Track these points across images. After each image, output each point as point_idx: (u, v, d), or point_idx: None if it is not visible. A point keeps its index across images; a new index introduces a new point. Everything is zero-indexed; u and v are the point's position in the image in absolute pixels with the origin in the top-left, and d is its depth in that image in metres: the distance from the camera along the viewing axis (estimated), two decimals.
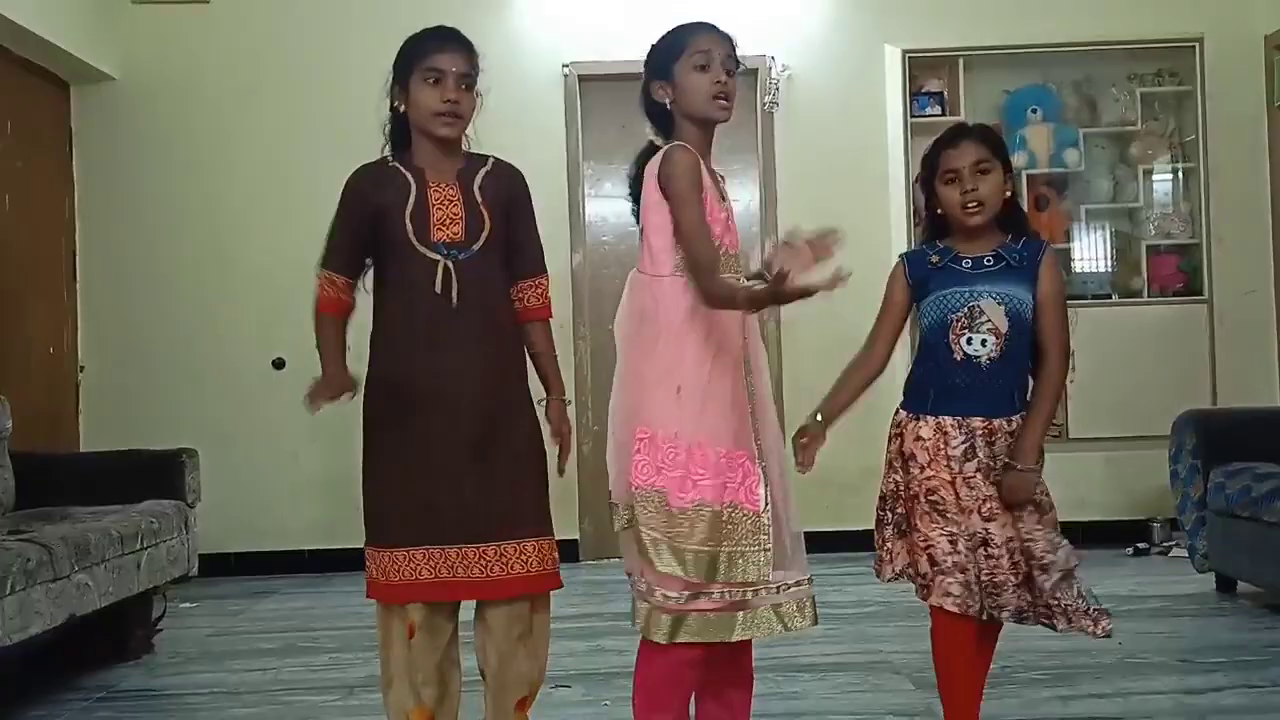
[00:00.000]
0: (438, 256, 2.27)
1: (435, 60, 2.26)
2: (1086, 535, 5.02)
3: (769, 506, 2.15)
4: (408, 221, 2.27)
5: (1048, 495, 2.37)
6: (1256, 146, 5.42)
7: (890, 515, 2.42)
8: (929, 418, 2.35)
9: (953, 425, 2.33)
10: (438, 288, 2.27)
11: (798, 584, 2.19)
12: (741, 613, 2.14)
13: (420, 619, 2.32)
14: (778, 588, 2.16)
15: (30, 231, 4.91)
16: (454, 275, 2.26)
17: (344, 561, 5.20)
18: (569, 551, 5.19)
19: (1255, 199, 5.43)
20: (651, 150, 2.23)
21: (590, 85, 5.34)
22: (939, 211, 2.42)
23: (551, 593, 2.39)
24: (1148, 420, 4.95)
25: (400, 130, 2.36)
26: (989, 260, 2.36)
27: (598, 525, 5.31)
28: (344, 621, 4.25)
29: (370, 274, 2.44)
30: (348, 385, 2.32)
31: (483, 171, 2.34)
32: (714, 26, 2.25)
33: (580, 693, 3.18)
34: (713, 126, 2.24)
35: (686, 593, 2.12)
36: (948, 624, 2.32)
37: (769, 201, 5.32)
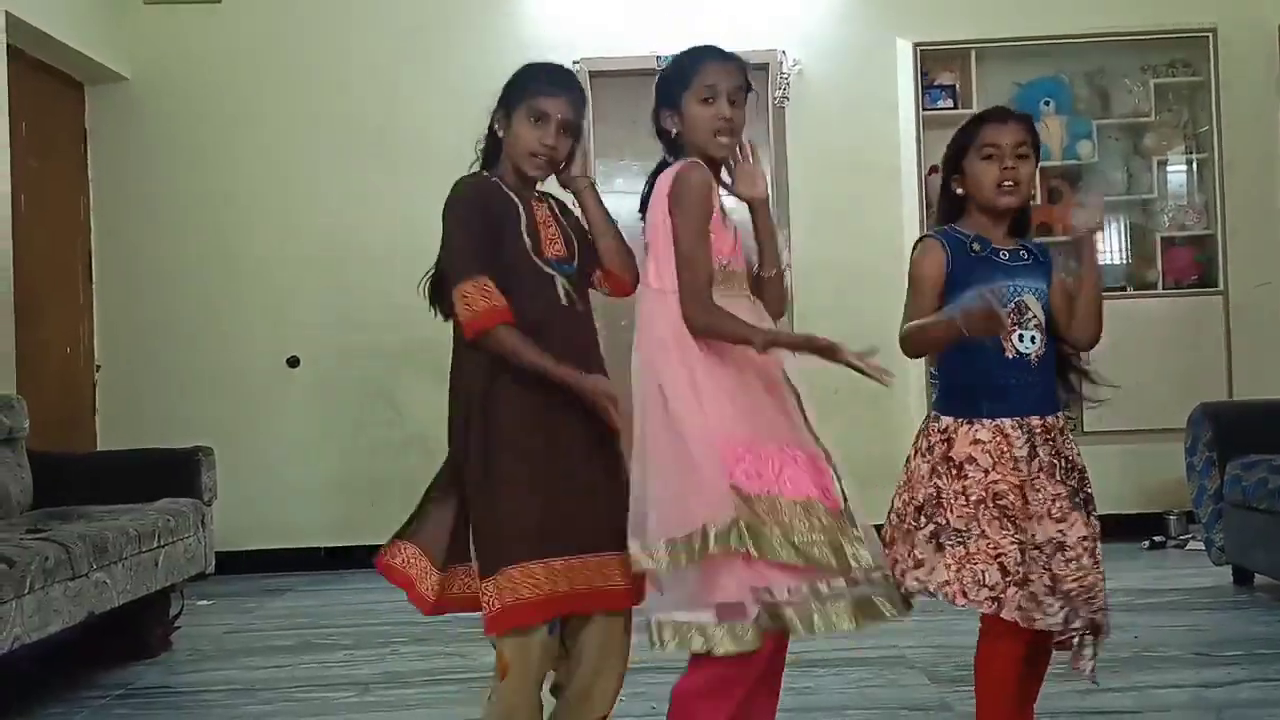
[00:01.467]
0: (553, 272, 2.25)
1: (543, 103, 2.23)
2: (1102, 529, 5.00)
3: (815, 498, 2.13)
4: (525, 237, 2.23)
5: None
6: (1271, 137, 5.39)
7: (928, 524, 2.22)
8: (985, 421, 2.22)
9: (1012, 427, 2.21)
10: (563, 300, 2.25)
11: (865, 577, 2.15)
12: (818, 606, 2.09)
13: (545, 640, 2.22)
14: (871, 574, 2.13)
15: (46, 232, 4.94)
16: (574, 288, 2.27)
17: (358, 559, 5.23)
18: None
19: (1270, 190, 5.40)
20: (663, 166, 2.24)
21: (601, 81, 5.34)
22: (959, 192, 2.30)
23: None
24: (1163, 413, 4.92)
25: (493, 153, 2.33)
26: (1023, 254, 2.28)
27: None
28: (358, 619, 4.27)
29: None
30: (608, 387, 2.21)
31: (551, 201, 2.36)
32: (723, 54, 2.24)
33: None
34: (720, 161, 2.25)
35: (804, 585, 2.07)
36: (1003, 647, 2.20)
37: (781, 196, 5.31)
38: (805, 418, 2.21)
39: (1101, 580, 2.22)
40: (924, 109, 5.28)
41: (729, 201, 2.26)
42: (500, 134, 2.28)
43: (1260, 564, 4.00)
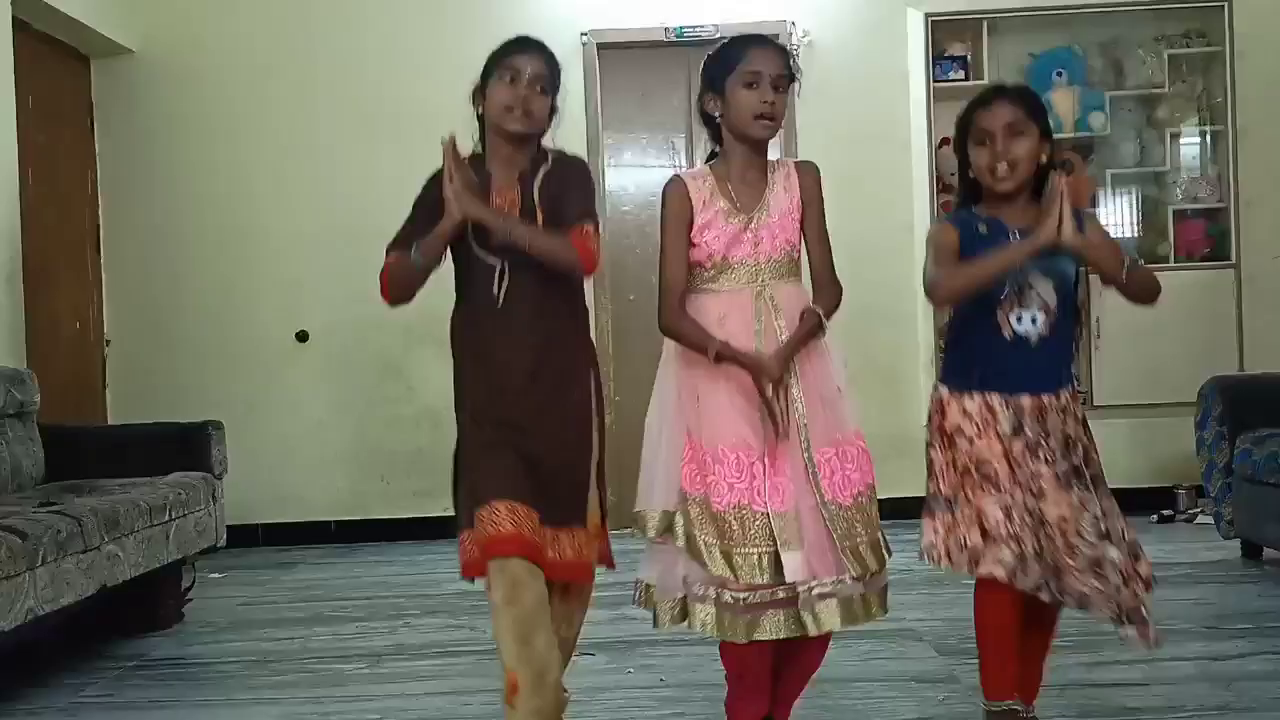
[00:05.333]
0: (495, 261, 2.33)
1: (513, 60, 2.35)
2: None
3: (781, 507, 2.19)
4: (469, 226, 2.32)
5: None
6: None
7: (927, 493, 2.33)
8: (975, 394, 2.28)
9: (999, 402, 2.26)
10: (494, 289, 2.33)
11: (833, 583, 2.20)
12: (758, 615, 2.19)
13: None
14: (798, 588, 2.18)
15: (54, 206, 4.94)
16: (506, 278, 2.32)
17: (369, 532, 5.26)
18: None
19: None
20: (712, 155, 2.38)
21: (609, 54, 5.30)
22: (971, 175, 2.33)
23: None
24: (1174, 387, 4.91)
25: (484, 136, 2.44)
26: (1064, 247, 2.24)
27: (620, 496, 5.31)
28: (370, 591, 4.29)
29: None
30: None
31: (543, 171, 2.39)
32: (768, 41, 2.30)
33: (604, 660, 3.21)
34: (760, 143, 2.31)
35: (744, 594, 2.18)
36: (994, 596, 2.25)
37: None
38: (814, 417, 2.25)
39: (1070, 564, 2.22)
40: (935, 80, 5.24)
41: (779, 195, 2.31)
42: (480, 111, 2.39)
43: (1270, 538, 4.00)
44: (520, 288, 2.33)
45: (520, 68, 2.34)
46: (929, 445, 2.35)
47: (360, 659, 3.36)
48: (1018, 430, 2.25)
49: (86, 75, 5.32)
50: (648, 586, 2.34)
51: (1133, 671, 2.92)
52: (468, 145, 2.41)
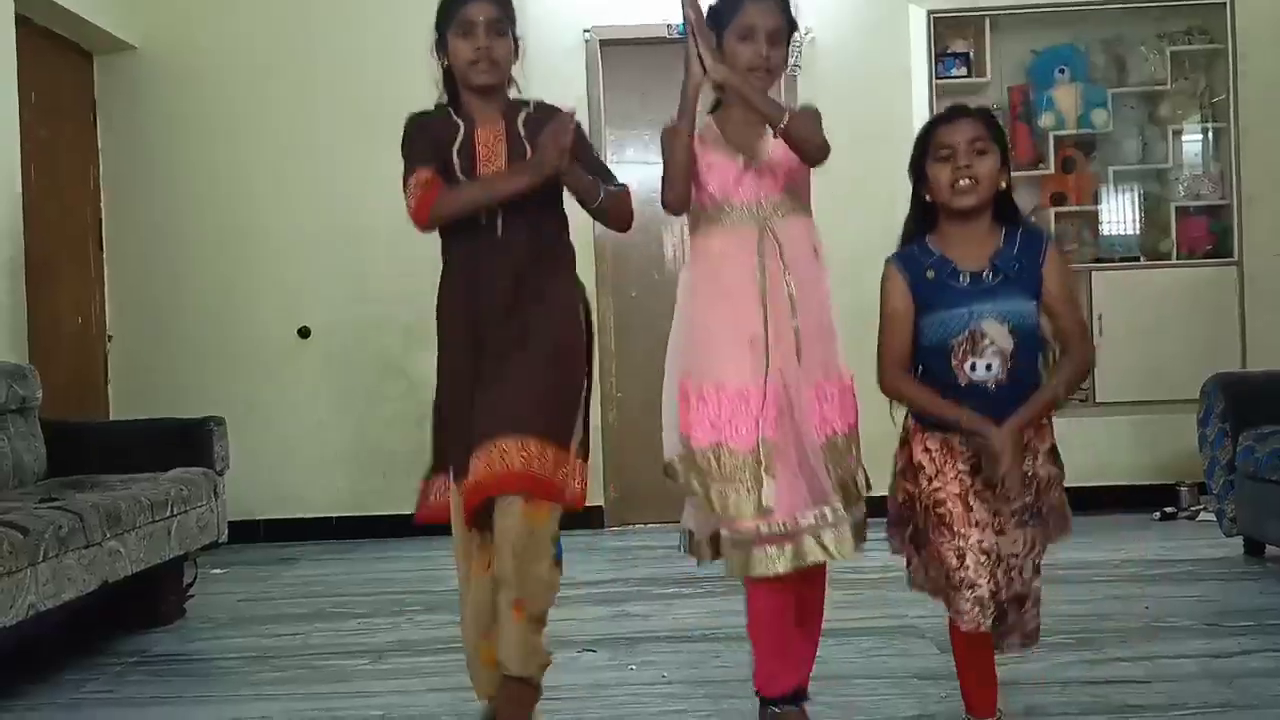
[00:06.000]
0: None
1: (465, 12, 2.38)
2: (1113, 499, 5.01)
3: (761, 443, 2.25)
4: (455, 158, 2.38)
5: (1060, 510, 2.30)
6: None
7: (910, 527, 2.34)
8: (936, 434, 2.25)
9: (959, 443, 2.23)
10: (483, 219, 2.37)
11: (818, 518, 2.27)
12: (744, 551, 2.26)
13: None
14: (785, 523, 2.25)
15: (57, 202, 4.94)
16: (498, 208, 2.36)
17: (370, 528, 5.26)
18: (595, 518, 5.22)
19: None
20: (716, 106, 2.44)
21: (611, 50, 5.30)
22: (927, 199, 2.28)
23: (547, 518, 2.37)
24: (1176, 384, 4.91)
25: (451, 87, 2.48)
26: (987, 275, 2.21)
27: (622, 492, 5.33)
28: (372, 587, 4.30)
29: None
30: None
31: (524, 113, 2.45)
32: None
33: (605, 657, 3.21)
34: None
35: (728, 531, 2.26)
36: (964, 645, 2.32)
37: None
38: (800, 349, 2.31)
39: (1035, 592, 2.26)
40: (938, 78, 5.23)
41: (770, 145, 2.34)
42: (446, 64, 2.44)
43: (1272, 535, 3.99)
44: (511, 212, 2.37)
45: (473, 18, 2.37)
46: (901, 474, 2.33)
47: (362, 655, 3.36)
48: (978, 468, 2.22)
49: (89, 71, 5.31)
50: (689, 532, 2.40)
51: (1134, 669, 2.92)
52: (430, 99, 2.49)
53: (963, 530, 2.20)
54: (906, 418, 2.34)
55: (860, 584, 3.90)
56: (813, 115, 2.35)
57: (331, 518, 5.35)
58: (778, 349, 2.28)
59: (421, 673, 3.17)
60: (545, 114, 2.43)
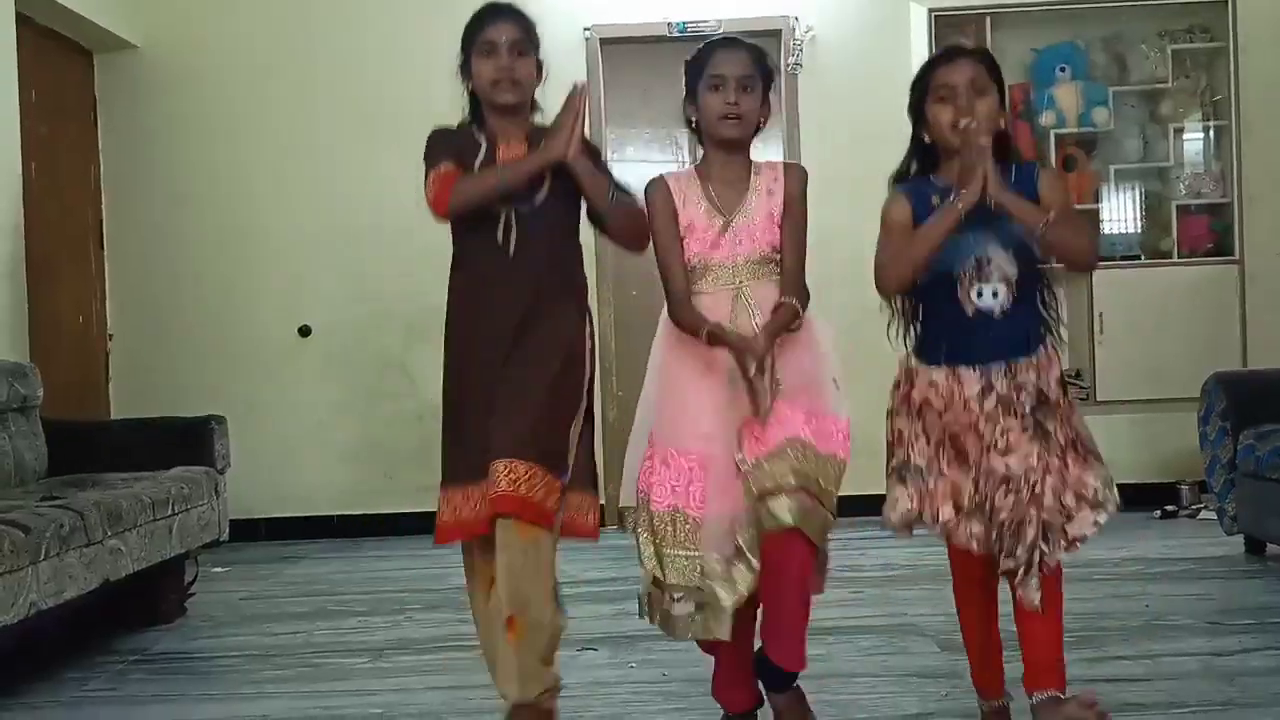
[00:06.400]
0: (501, 210, 2.38)
1: (487, 33, 2.41)
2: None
3: (679, 511, 2.29)
4: (476, 171, 2.39)
5: (1086, 441, 2.27)
6: None
7: (891, 460, 2.33)
8: (942, 366, 2.25)
9: (967, 370, 2.23)
10: (499, 239, 2.36)
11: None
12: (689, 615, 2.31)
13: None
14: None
15: (57, 200, 4.94)
16: (514, 227, 2.36)
17: (371, 527, 5.26)
18: None
19: None
20: None
21: (611, 49, 5.30)
22: (926, 140, 2.28)
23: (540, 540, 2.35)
24: (1177, 382, 4.91)
25: (476, 111, 2.49)
26: (991, 203, 2.16)
27: (622, 490, 5.31)
28: (372, 586, 4.30)
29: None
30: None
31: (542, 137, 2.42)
32: (734, 43, 2.37)
33: (606, 655, 3.21)
34: (734, 145, 2.37)
35: (669, 594, 2.32)
36: (963, 562, 2.31)
37: None
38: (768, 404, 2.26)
39: (1035, 515, 2.19)
40: None
41: (760, 197, 2.36)
42: (470, 87, 2.44)
43: (1273, 533, 3.99)
44: (526, 236, 2.37)
45: (495, 39, 2.39)
46: (893, 414, 2.33)
47: (362, 653, 3.36)
48: (986, 390, 2.21)
49: (90, 70, 5.31)
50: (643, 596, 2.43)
51: (1135, 667, 2.92)
52: (455, 118, 2.48)
53: (976, 459, 2.22)
54: (907, 357, 2.33)
55: (860, 582, 3.90)
56: (791, 271, 2.38)
57: (332, 516, 5.35)
58: (741, 411, 2.27)
59: (421, 671, 3.17)
60: None
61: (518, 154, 2.39)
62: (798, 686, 2.39)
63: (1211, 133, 5.44)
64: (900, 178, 2.35)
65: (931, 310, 2.29)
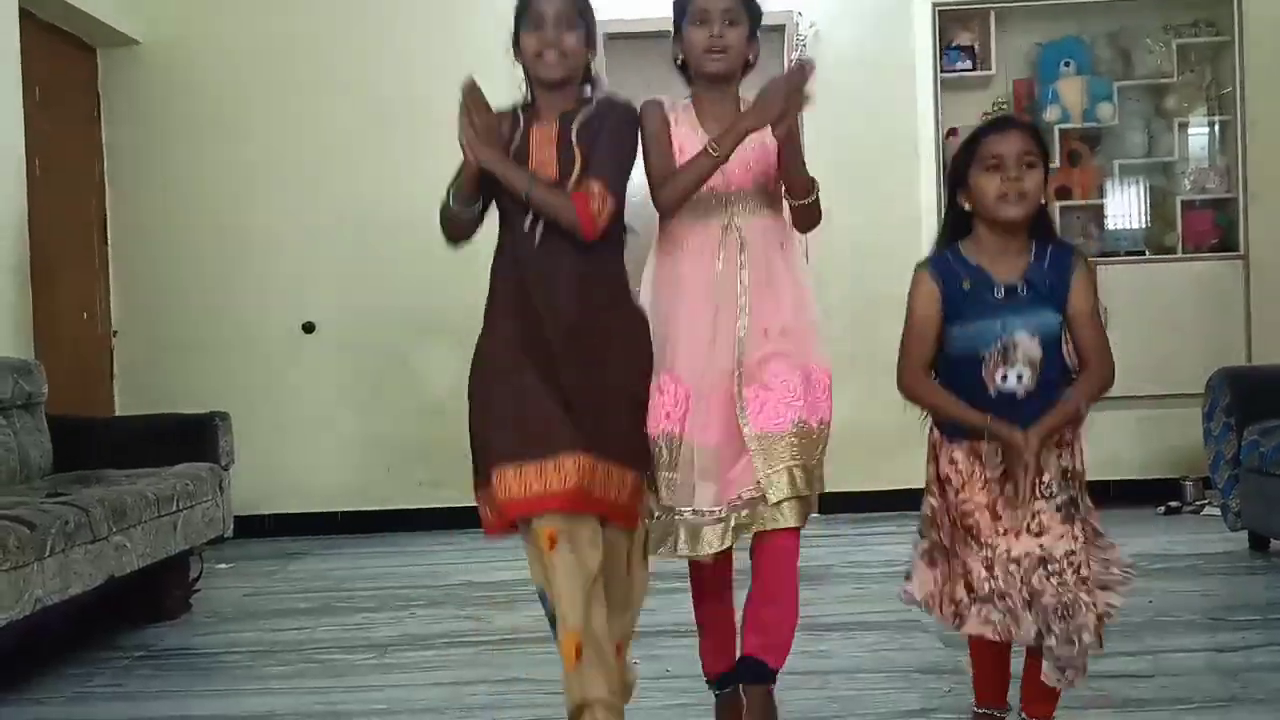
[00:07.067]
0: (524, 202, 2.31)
1: (535, 5, 2.33)
2: (1118, 493, 5.00)
3: (674, 436, 2.29)
4: (511, 158, 2.33)
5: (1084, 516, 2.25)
6: None
7: (925, 540, 2.32)
8: (964, 442, 2.23)
9: (988, 449, 2.21)
10: (526, 227, 2.30)
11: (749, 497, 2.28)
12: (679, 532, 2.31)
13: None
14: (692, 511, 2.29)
15: (61, 197, 4.95)
16: (540, 218, 2.29)
17: (376, 523, 5.27)
18: None
19: None
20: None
21: (616, 44, 5.29)
22: (966, 208, 2.25)
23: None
24: (1181, 378, 4.90)
25: (531, 86, 2.42)
26: (1021, 290, 2.20)
27: None
28: (377, 582, 4.30)
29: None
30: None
31: (585, 112, 2.35)
32: None
33: None
34: (720, 79, 2.35)
35: (661, 514, 2.32)
36: (985, 650, 2.31)
37: None
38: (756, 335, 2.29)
39: (1084, 598, 2.17)
40: (942, 71, 5.23)
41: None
42: (519, 61, 2.37)
43: (1277, 530, 3.99)
44: (551, 236, 2.28)
45: (544, 11, 2.31)
46: (927, 491, 2.32)
47: (366, 649, 3.37)
48: (1005, 476, 2.19)
49: (93, 66, 5.32)
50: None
51: (1139, 663, 2.92)
52: (505, 97, 2.38)
53: (990, 540, 2.19)
54: (931, 431, 2.32)
55: (865, 578, 3.90)
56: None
57: (336, 512, 5.36)
58: (720, 349, 2.28)
59: (425, 667, 3.17)
60: (604, 108, 2.36)
61: (547, 136, 2.32)
62: (768, 687, 2.38)
63: (1216, 127, 5.42)
64: (940, 244, 2.32)
65: (953, 387, 2.26)
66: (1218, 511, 4.34)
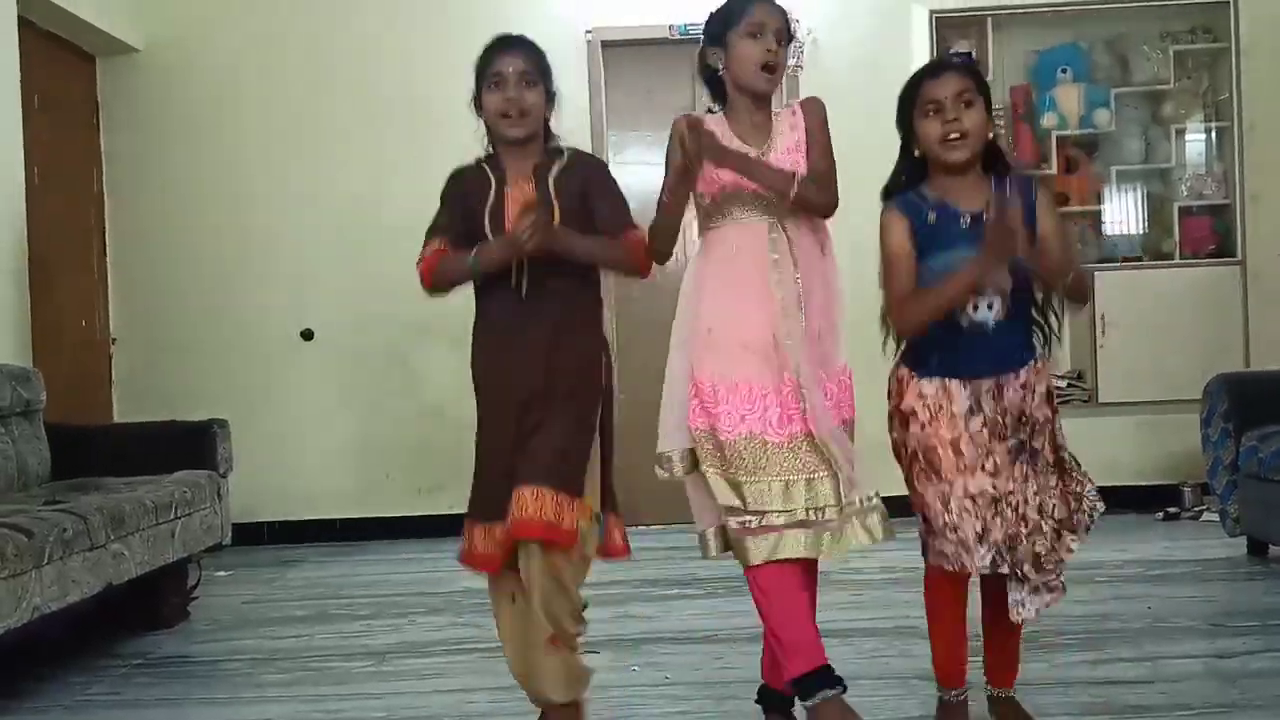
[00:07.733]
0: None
1: (495, 65, 2.41)
2: (1117, 499, 4.97)
3: (795, 436, 2.25)
4: (487, 220, 2.40)
5: (1069, 454, 2.30)
6: None
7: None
8: (933, 378, 2.27)
9: (957, 385, 2.25)
10: (511, 280, 2.38)
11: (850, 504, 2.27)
12: (773, 535, 2.25)
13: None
14: (809, 509, 2.25)
15: (60, 204, 4.95)
16: (525, 267, 2.36)
17: (374, 530, 5.27)
18: None
19: None
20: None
21: (613, 51, 5.30)
22: (916, 154, 2.31)
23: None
24: (1179, 384, 4.90)
25: (493, 141, 2.50)
26: (987, 217, 2.21)
27: (625, 493, 5.31)
28: (375, 589, 4.30)
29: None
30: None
31: (558, 166, 2.44)
32: None
33: (608, 658, 3.20)
34: (761, 97, 2.34)
35: (750, 518, 2.24)
36: (936, 579, 2.33)
37: None
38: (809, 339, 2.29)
39: (1034, 535, 2.23)
40: None
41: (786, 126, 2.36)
42: (483, 119, 2.44)
43: (1275, 535, 3.99)
44: (540, 275, 2.36)
45: (503, 71, 2.39)
46: (888, 421, 2.35)
47: (365, 657, 3.37)
48: (975, 408, 2.24)
49: (92, 74, 5.32)
50: (702, 533, 2.39)
51: (1137, 669, 2.91)
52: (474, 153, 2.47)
53: (950, 477, 2.23)
54: (897, 367, 2.35)
55: (862, 585, 3.90)
56: (824, 175, 2.35)
57: (335, 520, 5.35)
58: (788, 348, 2.27)
59: (424, 674, 3.17)
60: (578, 164, 2.46)
61: (525, 193, 2.38)
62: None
63: (1213, 134, 5.43)
64: (890, 191, 2.36)
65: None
66: (1216, 517, 4.34)
